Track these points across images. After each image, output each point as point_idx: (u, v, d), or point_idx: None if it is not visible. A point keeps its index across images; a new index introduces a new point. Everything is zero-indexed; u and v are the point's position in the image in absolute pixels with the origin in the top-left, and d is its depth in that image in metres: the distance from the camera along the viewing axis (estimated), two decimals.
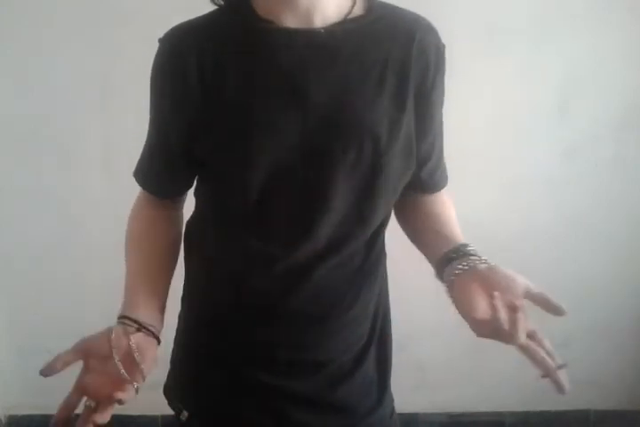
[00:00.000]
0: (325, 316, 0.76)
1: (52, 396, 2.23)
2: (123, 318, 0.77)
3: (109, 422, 0.73)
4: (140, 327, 0.74)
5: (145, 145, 0.85)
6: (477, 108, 1.76)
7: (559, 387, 0.69)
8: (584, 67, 1.75)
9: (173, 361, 0.90)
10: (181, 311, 0.89)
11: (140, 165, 0.86)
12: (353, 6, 0.71)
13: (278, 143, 0.69)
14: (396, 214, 0.89)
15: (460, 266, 0.75)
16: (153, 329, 0.76)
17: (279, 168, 0.69)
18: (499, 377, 2.07)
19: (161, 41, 0.75)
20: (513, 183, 1.84)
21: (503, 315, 0.66)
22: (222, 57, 0.70)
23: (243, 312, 0.78)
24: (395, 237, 0.94)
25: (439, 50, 0.77)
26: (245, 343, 0.79)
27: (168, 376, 0.91)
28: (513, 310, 0.66)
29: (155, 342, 0.75)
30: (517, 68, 1.73)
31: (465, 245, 0.79)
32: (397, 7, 0.77)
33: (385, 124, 0.70)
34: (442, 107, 0.80)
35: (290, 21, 0.69)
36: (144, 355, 0.70)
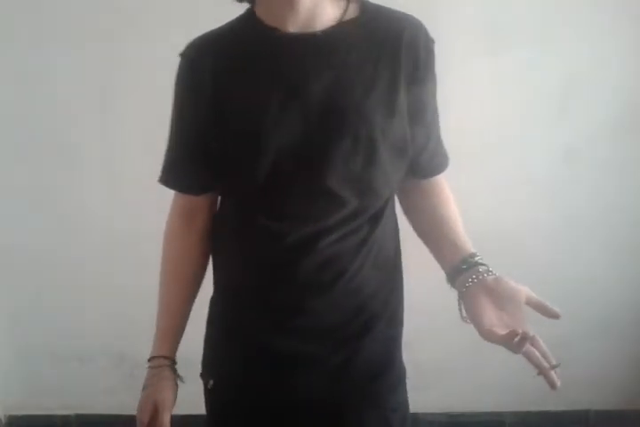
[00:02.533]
0: (332, 284, 0.82)
1: (52, 396, 2.25)
2: (163, 358, 0.90)
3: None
4: (172, 365, 0.90)
5: (168, 150, 0.91)
6: (477, 108, 1.76)
7: (551, 384, 0.76)
8: (583, 67, 1.75)
9: (205, 336, 0.98)
10: (212, 293, 0.98)
11: (166, 169, 0.93)
12: (346, 10, 0.79)
13: (283, 135, 0.77)
14: (401, 204, 0.96)
15: (470, 279, 0.83)
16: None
17: (284, 156, 0.77)
18: (499, 377, 2.07)
19: (181, 56, 0.86)
20: (512, 183, 1.84)
21: (516, 340, 0.76)
22: (234, 64, 0.79)
23: (257, 284, 0.86)
24: None
25: (427, 45, 0.83)
26: (260, 312, 0.87)
27: (203, 349, 0.99)
28: (523, 337, 0.75)
29: (174, 380, 0.91)
30: (517, 69, 1.73)
31: (473, 256, 0.87)
32: (388, 8, 0.83)
33: (379, 114, 0.77)
34: (434, 97, 0.86)
35: (291, 27, 0.77)
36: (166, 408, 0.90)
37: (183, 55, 0.85)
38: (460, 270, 0.85)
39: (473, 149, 1.79)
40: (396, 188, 0.89)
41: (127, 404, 2.03)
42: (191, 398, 2.01)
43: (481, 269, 0.83)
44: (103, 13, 1.64)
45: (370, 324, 0.87)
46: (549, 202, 1.87)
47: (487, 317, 0.79)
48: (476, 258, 0.86)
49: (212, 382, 0.93)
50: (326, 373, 0.86)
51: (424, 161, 0.88)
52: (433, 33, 1.36)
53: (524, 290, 0.83)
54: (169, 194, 1.80)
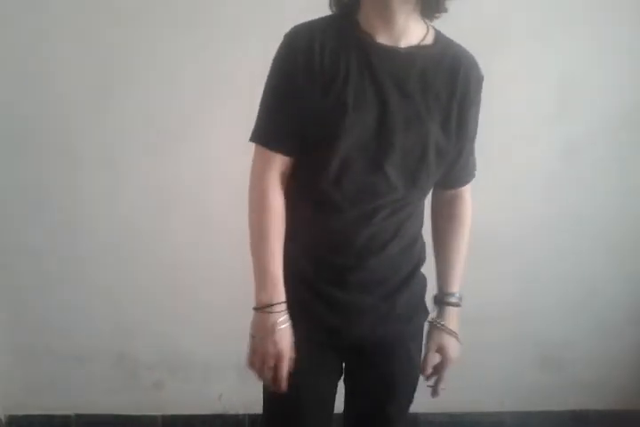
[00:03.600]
0: (382, 248, 1.03)
1: (52, 396, 2.24)
2: (278, 304, 1.00)
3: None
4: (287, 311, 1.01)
5: (263, 111, 1.01)
6: None
7: (434, 394, 1.18)
8: (583, 66, 1.76)
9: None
10: (285, 242, 1.05)
11: (261, 129, 1.01)
12: (425, 36, 0.98)
13: (361, 124, 0.93)
14: (431, 207, 1.20)
15: (439, 320, 1.17)
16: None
17: (356, 145, 0.94)
18: (499, 377, 2.07)
19: (287, 35, 0.96)
20: (512, 183, 1.84)
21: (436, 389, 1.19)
22: (334, 55, 0.93)
23: (324, 246, 1.03)
24: None
25: (478, 81, 1.04)
26: (325, 268, 1.04)
27: None
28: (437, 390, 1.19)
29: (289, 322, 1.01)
30: (516, 68, 1.73)
31: (450, 296, 1.18)
32: (456, 43, 1.05)
33: (435, 126, 0.97)
34: (476, 121, 1.06)
35: (382, 39, 0.95)
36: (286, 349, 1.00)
37: (291, 37, 0.95)
38: (438, 302, 1.19)
39: None
40: (431, 189, 1.09)
41: (127, 404, 2.05)
42: (191, 398, 2.00)
43: (450, 311, 1.17)
44: (103, 13, 1.64)
45: (405, 281, 1.09)
46: (549, 201, 1.87)
47: (430, 362, 1.16)
48: (452, 299, 1.17)
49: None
50: (376, 317, 1.07)
51: (453, 173, 1.08)
52: None
53: (452, 359, 1.18)
54: (169, 195, 1.81)
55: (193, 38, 1.67)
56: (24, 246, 1.86)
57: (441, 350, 1.15)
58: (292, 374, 1.00)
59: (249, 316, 1.98)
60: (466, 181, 1.14)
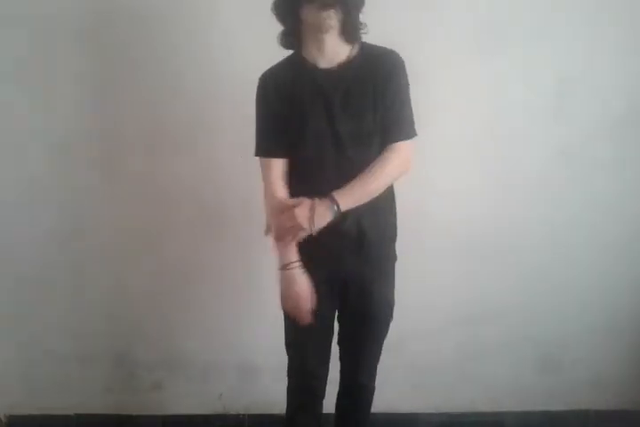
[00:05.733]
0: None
1: (52, 396, 2.24)
2: (293, 262, 1.35)
3: None
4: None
5: (257, 132, 1.39)
6: (474, 107, 1.76)
7: None
8: (580, 67, 1.76)
9: None
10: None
11: (261, 146, 1.38)
12: (351, 52, 1.34)
13: (317, 121, 1.33)
14: None
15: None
16: None
17: (318, 136, 1.33)
18: (498, 377, 2.07)
19: (259, 79, 1.36)
20: (508, 183, 1.84)
21: None
22: (290, 84, 1.34)
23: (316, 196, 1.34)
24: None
25: (394, 66, 1.34)
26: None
27: None
28: None
29: None
30: (513, 68, 1.73)
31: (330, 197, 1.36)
32: (375, 46, 1.35)
33: (368, 111, 1.33)
34: (397, 95, 1.34)
35: (321, 63, 1.33)
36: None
37: (261, 79, 1.37)
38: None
39: (469, 147, 1.80)
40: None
41: (127, 404, 2.05)
42: (191, 398, 2.00)
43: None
44: (103, 12, 1.64)
45: (376, 235, 1.40)
46: (546, 201, 1.87)
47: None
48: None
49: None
50: (358, 259, 1.41)
51: (383, 134, 1.37)
52: (430, 32, 1.69)
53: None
54: (168, 195, 1.82)
55: (194, 39, 1.67)
56: (24, 246, 1.86)
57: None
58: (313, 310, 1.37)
59: (249, 316, 1.99)
60: (396, 138, 1.37)
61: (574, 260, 1.94)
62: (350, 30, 1.31)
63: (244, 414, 2.06)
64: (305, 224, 1.27)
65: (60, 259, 1.88)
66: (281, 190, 1.37)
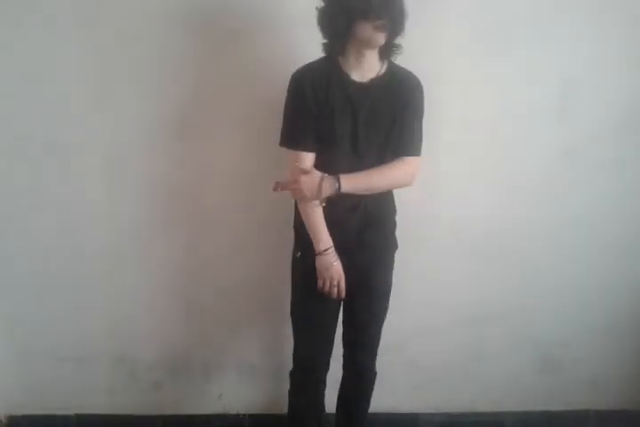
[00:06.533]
0: (357, 205, 1.53)
1: (52, 396, 2.24)
2: (328, 248, 1.50)
3: None
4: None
5: (289, 124, 1.48)
6: (477, 108, 1.76)
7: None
8: (583, 67, 1.75)
9: (295, 223, 1.63)
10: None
11: (290, 137, 1.48)
12: (381, 69, 1.48)
13: (342, 128, 1.46)
14: None
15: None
16: None
17: (344, 137, 1.47)
18: (498, 378, 2.07)
19: (295, 74, 1.46)
20: (512, 183, 1.84)
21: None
22: (325, 87, 1.45)
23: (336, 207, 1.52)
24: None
25: (414, 92, 1.50)
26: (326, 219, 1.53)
27: (294, 236, 1.63)
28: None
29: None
30: (517, 69, 1.73)
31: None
32: (401, 68, 1.51)
33: (388, 124, 1.49)
34: (413, 118, 1.51)
35: (355, 76, 1.45)
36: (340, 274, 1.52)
37: (294, 76, 1.46)
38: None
39: (473, 149, 1.80)
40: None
41: (127, 404, 2.05)
42: (191, 398, 2.01)
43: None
44: (103, 12, 1.64)
45: (382, 224, 1.59)
46: (549, 202, 1.87)
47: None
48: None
49: (299, 253, 1.58)
50: (364, 248, 1.56)
51: (396, 147, 1.52)
52: (433, 34, 1.72)
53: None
54: (168, 195, 1.81)
55: (194, 38, 1.67)
56: (24, 246, 1.86)
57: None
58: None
59: (249, 316, 1.98)
60: (404, 153, 1.53)
61: (575, 259, 1.94)
62: (389, 50, 1.46)
63: (244, 414, 2.06)
64: (305, 191, 1.43)
65: (60, 259, 1.87)
66: (306, 164, 1.49)
